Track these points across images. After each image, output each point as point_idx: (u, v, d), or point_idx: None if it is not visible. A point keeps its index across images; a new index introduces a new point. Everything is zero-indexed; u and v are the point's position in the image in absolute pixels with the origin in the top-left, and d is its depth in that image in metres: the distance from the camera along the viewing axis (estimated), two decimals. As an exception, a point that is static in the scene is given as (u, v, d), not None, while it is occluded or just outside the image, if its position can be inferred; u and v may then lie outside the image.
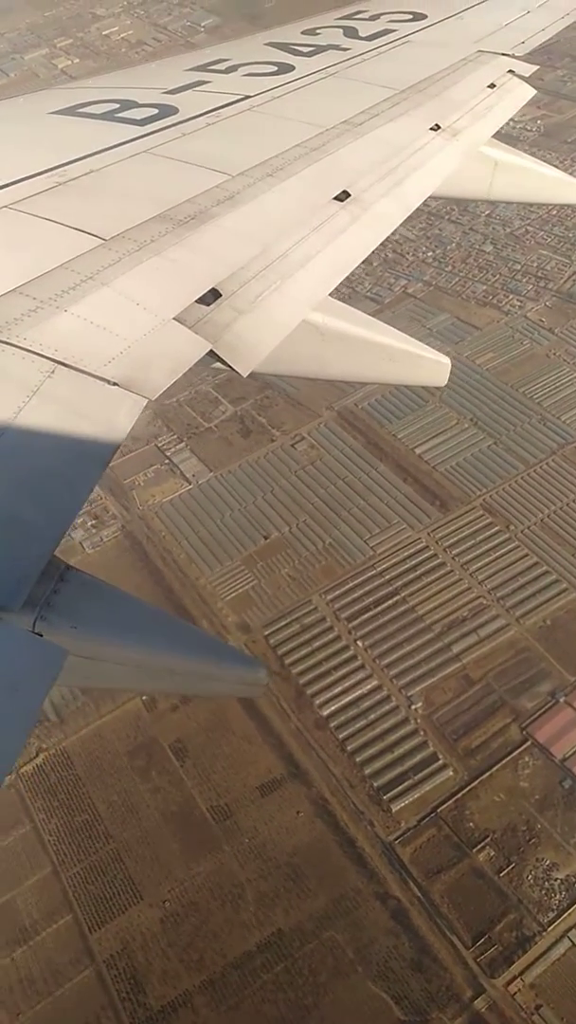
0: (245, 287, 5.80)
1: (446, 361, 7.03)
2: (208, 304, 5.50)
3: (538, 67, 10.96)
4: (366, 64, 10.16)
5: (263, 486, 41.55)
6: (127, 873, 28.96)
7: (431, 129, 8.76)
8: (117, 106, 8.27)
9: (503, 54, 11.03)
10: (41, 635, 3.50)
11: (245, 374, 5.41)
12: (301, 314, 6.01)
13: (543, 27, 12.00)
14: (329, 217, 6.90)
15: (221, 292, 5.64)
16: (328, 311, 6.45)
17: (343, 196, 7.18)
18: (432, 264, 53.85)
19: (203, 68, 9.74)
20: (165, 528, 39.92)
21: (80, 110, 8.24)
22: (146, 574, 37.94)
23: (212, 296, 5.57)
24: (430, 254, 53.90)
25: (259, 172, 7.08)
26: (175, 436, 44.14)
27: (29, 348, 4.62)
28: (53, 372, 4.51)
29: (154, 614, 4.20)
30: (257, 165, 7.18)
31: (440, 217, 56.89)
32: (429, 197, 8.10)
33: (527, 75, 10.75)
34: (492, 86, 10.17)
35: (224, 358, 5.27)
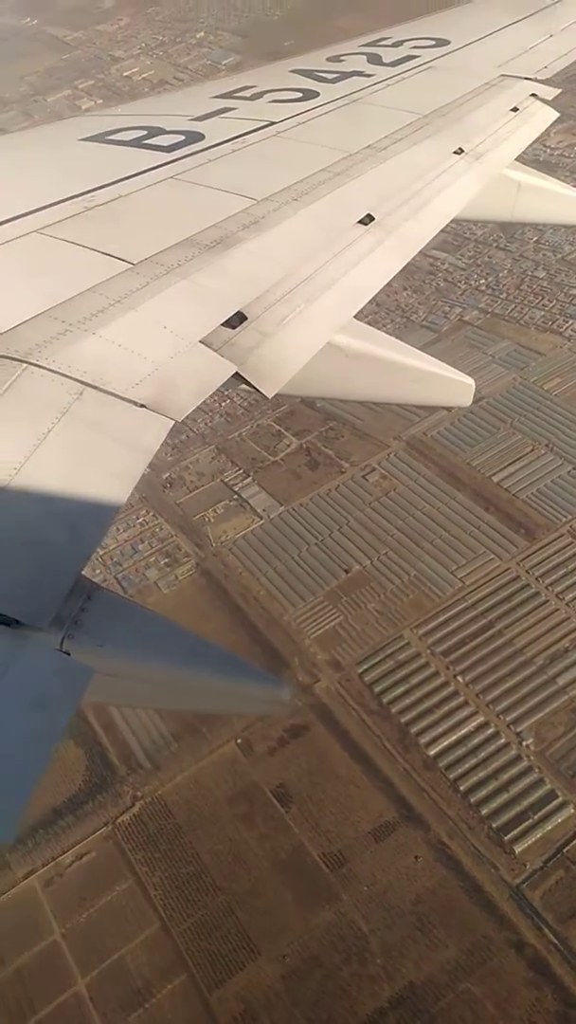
0: (270, 310, 5.87)
1: (470, 382, 7.05)
2: (234, 327, 5.57)
3: (561, 91, 11.02)
4: (390, 90, 10.27)
5: (337, 519, 40.51)
6: (241, 927, 27.36)
7: (454, 153, 8.83)
8: (145, 133, 8.42)
9: (526, 78, 11.11)
10: (68, 653, 3.55)
11: (270, 396, 5.46)
12: (326, 336, 6.06)
13: (566, 51, 12.07)
14: (353, 241, 6.96)
15: (247, 315, 5.71)
16: (353, 333, 6.50)
17: (367, 220, 7.25)
18: (486, 292, 53.47)
19: (229, 95, 9.89)
20: (241, 565, 38.96)
21: (109, 137, 8.39)
22: (227, 612, 36.88)
23: (238, 319, 5.64)
24: (482, 282, 53.52)
25: (284, 197, 7.17)
26: (241, 471, 43.40)
27: (58, 370, 4.70)
28: (82, 394, 4.58)
29: (179, 633, 4.23)
30: (282, 190, 7.27)
31: (488, 245, 56.57)
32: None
33: (550, 98, 10.82)
34: (515, 109, 10.24)
35: (250, 380, 5.33)
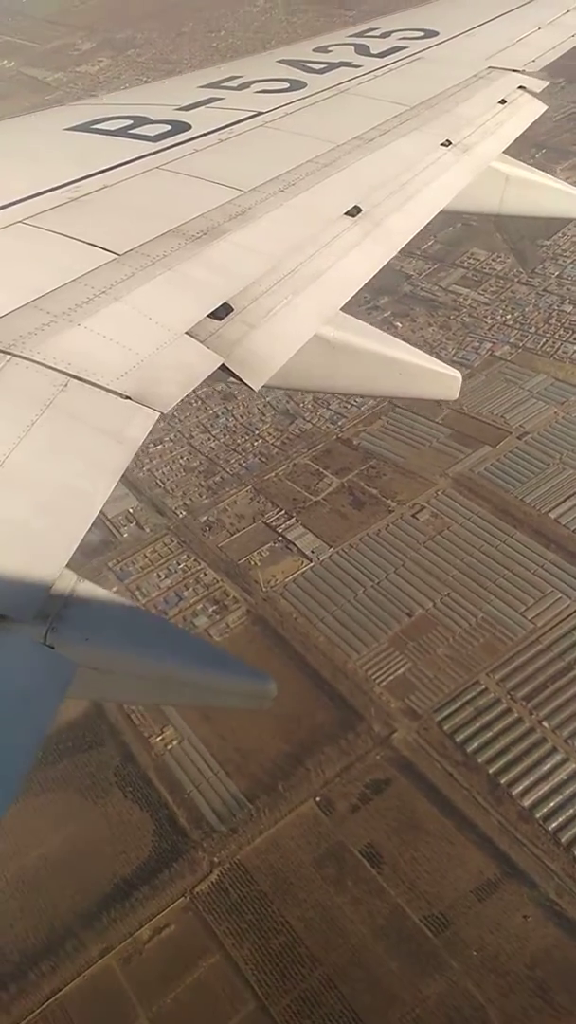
0: (257, 302, 5.83)
1: (457, 375, 7.04)
2: (220, 319, 5.54)
3: (549, 83, 11.02)
4: (377, 81, 10.22)
5: (392, 560, 38.84)
6: (346, 1002, 25.39)
7: (442, 145, 8.80)
8: (131, 122, 8.35)
9: (514, 70, 11.09)
10: (52, 647, 3.52)
11: (257, 388, 5.44)
12: (312, 329, 6.04)
13: (555, 44, 12.06)
14: (341, 232, 6.93)
15: (233, 307, 5.67)
16: (340, 325, 6.48)
17: (355, 211, 7.22)
18: (514, 327, 52.71)
19: (216, 85, 9.83)
20: (296, 610, 37.09)
21: (94, 126, 8.32)
22: (286, 659, 35.00)
23: (224, 311, 5.60)
24: (509, 317, 52.73)
25: (271, 188, 7.13)
26: (282, 512, 41.68)
27: (43, 362, 4.66)
28: (66, 385, 4.54)
29: (163, 626, 4.22)
30: (269, 181, 7.23)
31: (509, 280, 55.74)
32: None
33: (538, 91, 10.81)
34: (503, 102, 10.22)
35: (236, 372, 5.30)
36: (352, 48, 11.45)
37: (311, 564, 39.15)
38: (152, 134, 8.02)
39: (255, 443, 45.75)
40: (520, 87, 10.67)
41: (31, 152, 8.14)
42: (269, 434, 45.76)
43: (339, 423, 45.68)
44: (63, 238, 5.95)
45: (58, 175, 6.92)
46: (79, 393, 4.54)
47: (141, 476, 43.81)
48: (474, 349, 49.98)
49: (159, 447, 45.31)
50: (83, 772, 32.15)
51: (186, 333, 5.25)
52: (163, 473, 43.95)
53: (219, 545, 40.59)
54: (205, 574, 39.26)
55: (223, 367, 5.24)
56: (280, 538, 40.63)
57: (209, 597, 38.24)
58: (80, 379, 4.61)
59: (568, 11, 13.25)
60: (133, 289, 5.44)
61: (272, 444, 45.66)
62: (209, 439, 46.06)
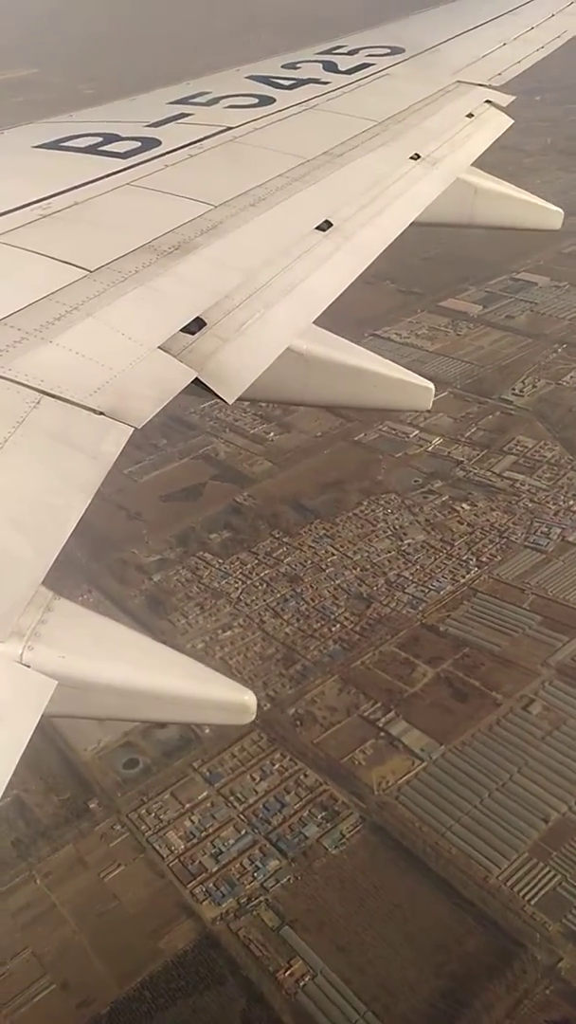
0: (229, 316, 5.85)
1: (430, 386, 7.10)
2: (193, 333, 5.55)
3: (515, 97, 11.17)
4: (346, 96, 10.32)
5: (512, 759, 35.11)
6: None
7: (411, 158, 8.90)
8: (100, 140, 8.37)
9: (481, 84, 11.24)
10: (28, 666, 3.49)
11: (231, 401, 5.44)
12: (285, 342, 6.06)
13: (519, 59, 12.26)
14: (312, 246, 6.98)
15: (206, 321, 5.68)
16: (312, 338, 6.51)
17: (325, 225, 7.27)
18: None
19: (185, 101, 9.88)
20: (416, 817, 32.96)
21: (64, 144, 8.33)
22: (418, 876, 30.94)
23: (197, 325, 5.61)
24: (573, 502, 49.41)
25: (242, 202, 7.17)
26: (378, 704, 37.74)
27: (14, 379, 4.64)
28: (39, 402, 4.52)
29: (142, 642, 4.19)
30: (240, 195, 7.27)
31: (563, 467, 51.91)
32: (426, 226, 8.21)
33: (504, 105, 10.96)
34: (471, 115, 10.35)
35: (210, 386, 5.30)
36: (320, 65, 11.56)
37: (423, 764, 35.01)
38: (122, 151, 8.04)
39: (332, 628, 41.74)
40: (487, 101, 10.82)
41: (0, 170, 8.13)
42: (346, 619, 41.98)
43: (419, 607, 42.12)
44: (34, 255, 5.94)
45: (28, 192, 6.92)
46: (52, 409, 4.52)
47: (214, 665, 39.02)
48: (544, 534, 46.86)
49: (228, 633, 41.71)
50: (204, 1018, 27.97)
51: (159, 348, 5.25)
52: (237, 662, 40.04)
53: (314, 741, 36.36)
54: (305, 775, 35.00)
55: (197, 381, 5.24)
56: (382, 734, 36.42)
57: (315, 802, 33.86)
58: (53, 396, 4.59)
59: (532, 27, 13.48)
60: (105, 305, 5.44)
61: (352, 630, 41.58)
62: (282, 624, 41.99)
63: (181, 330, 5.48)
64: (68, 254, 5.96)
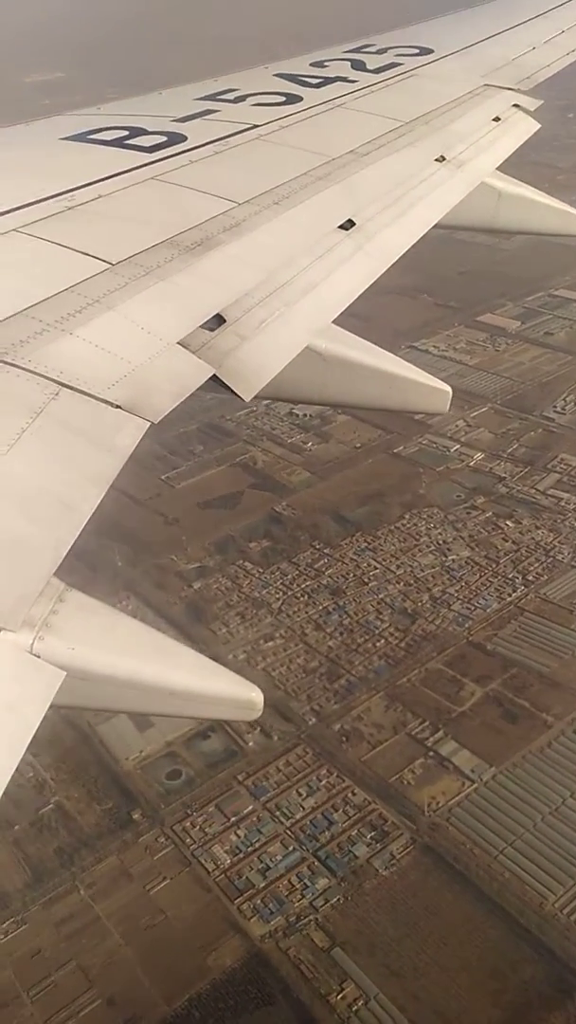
0: (249, 313, 5.86)
1: (447, 389, 7.08)
2: (212, 330, 5.56)
3: (543, 102, 11.12)
4: (373, 96, 10.31)
5: (565, 783, 34.31)
6: None
7: (436, 160, 8.87)
8: (126, 133, 8.40)
9: (509, 88, 11.20)
10: (39, 656, 3.51)
11: (248, 399, 5.45)
12: (304, 341, 6.06)
13: (548, 63, 12.20)
14: (334, 246, 6.97)
15: (225, 318, 5.69)
16: (331, 338, 6.50)
17: (348, 225, 7.27)
18: None
19: (212, 97, 9.89)
20: (468, 839, 32.25)
21: (90, 136, 8.36)
22: (472, 900, 30.21)
23: (216, 322, 5.62)
24: None
25: (265, 200, 7.17)
26: (427, 723, 37.02)
27: (34, 370, 4.66)
28: (58, 394, 4.55)
29: (151, 635, 4.21)
30: (263, 193, 7.27)
31: None
32: (436, 228, 8.19)
33: (532, 109, 10.91)
34: (497, 119, 10.31)
35: (227, 383, 5.31)
36: (348, 63, 11.55)
37: (474, 785, 34.44)
38: (148, 145, 8.06)
39: (377, 644, 41.02)
40: (515, 105, 10.78)
41: (26, 161, 8.17)
42: (391, 634, 41.29)
43: (465, 625, 41.53)
44: (57, 247, 5.96)
45: (53, 184, 6.95)
46: (70, 402, 4.54)
47: (256, 676, 38.74)
48: None
49: (270, 644, 41.13)
50: (254, 1040, 27.51)
51: (178, 343, 5.26)
52: (280, 673, 39.44)
53: (362, 759, 35.69)
54: (354, 793, 34.33)
55: (215, 378, 5.25)
56: (431, 753, 35.69)
57: (364, 821, 33.07)
58: (71, 388, 4.61)
59: (563, 31, 13.41)
60: (126, 299, 5.46)
61: (397, 646, 40.91)
62: (325, 637, 41.46)
63: (201, 326, 5.49)
64: (91, 247, 5.98)
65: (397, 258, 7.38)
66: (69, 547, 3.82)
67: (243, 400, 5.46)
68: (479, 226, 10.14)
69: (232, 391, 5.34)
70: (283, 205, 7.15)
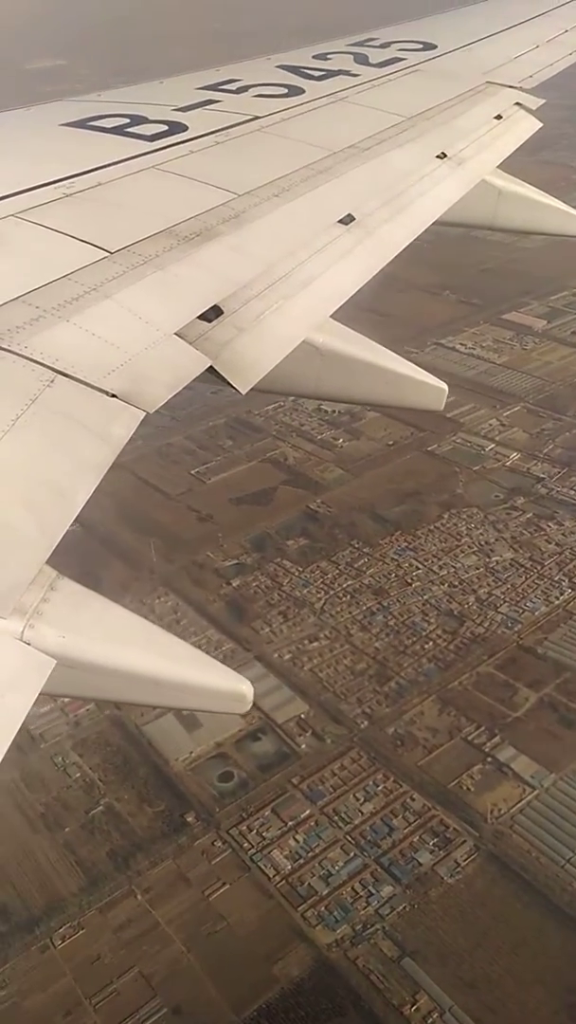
0: (247, 305, 5.84)
1: (443, 386, 7.08)
2: (210, 321, 5.54)
3: (545, 101, 11.11)
4: (375, 90, 10.28)
5: None
6: None
7: (437, 156, 8.86)
8: (128, 121, 8.36)
9: (511, 86, 11.18)
10: (29, 643, 3.50)
11: (244, 391, 5.44)
12: (302, 334, 6.05)
13: (552, 62, 12.18)
14: (333, 240, 6.96)
15: (223, 309, 5.68)
16: (329, 332, 6.49)
17: (348, 219, 7.25)
18: None
19: (214, 87, 9.85)
20: (534, 848, 31.67)
21: (91, 123, 8.32)
22: (543, 910, 29.65)
23: (214, 313, 5.61)
24: None
25: (265, 192, 7.15)
26: (482, 728, 36.58)
27: (30, 356, 4.64)
28: (53, 381, 4.53)
29: (142, 626, 4.20)
30: (263, 185, 7.25)
31: None
32: (437, 225, 8.19)
33: (534, 108, 10.90)
34: (499, 117, 10.30)
35: (224, 375, 5.30)
36: (351, 57, 11.51)
37: (535, 792, 33.97)
38: (149, 133, 8.03)
39: (425, 646, 40.66)
40: (516, 103, 10.76)
41: (26, 146, 8.13)
42: (439, 636, 40.89)
43: (514, 628, 41.26)
44: (55, 234, 5.94)
45: (52, 170, 6.91)
46: (65, 389, 4.52)
47: (303, 676, 39.12)
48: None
49: (315, 644, 40.68)
50: (329, 1054, 27.21)
51: (175, 334, 5.25)
52: (328, 675, 39.07)
53: (418, 764, 35.17)
54: (412, 799, 33.78)
55: (211, 369, 5.24)
56: (489, 759, 35.36)
57: (425, 827, 32.53)
58: (67, 375, 4.60)
59: (567, 30, 13.39)
60: (124, 288, 5.44)
61: (446, 648, 40.49)
62: (371, 638, 41.00)
63: (198, 317, 5.48)
64: (89, 235, 5.95)
65: (396, 254, 7.37)
66: (62, 535, 3.81)
67: (239, 393, 5.45)
68: (479, 224, 10.14)
69: (228, 383, 5.33)
70: (283, 198, 7.13)
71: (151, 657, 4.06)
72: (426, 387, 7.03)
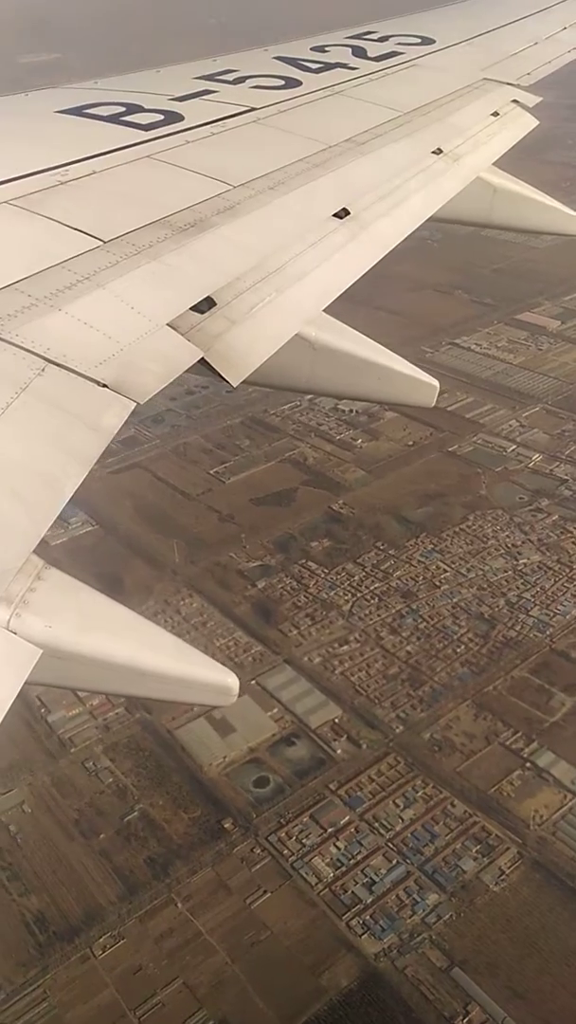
0: (240, 298, 5.82)
1: (435, 383, 7.08)
2: (202, 312, 5.52)
3: (542, 99, 11.10)
4: (373, 84, 10.25)
5: None
6: None
7: (433, 152, 8.84)
8: (123, 109, 8.31)
9: (508, 83, 11.16)
10: (15, 633, 3.49)
11: (235, 384, 5.42)
12: (294, 328, 6.04)
13: (550, 59, 12.17)
14: (328, 233, 6.94)
15: (216, 301, 5.66)
16: (322, 326, 6.48)
17: (343, 213, 7.23)
18: None
19: (211, 78, 9.80)
20: None
21: (87, 111, 8.26)
22: None
23: (207, 304, 5.59)
24: None
25: (261, 184, 7.12)
26: (519, 733, 36.36)
27: (21, 345, 4.62)
28: (44, 370, 4.51)
29: (129, 616, 4.20)
30: (259, 177, 7.22)
31: None
32: (432, 220, 8.18)
33: (531, 105, 10.89)
34: (496, 114, 10.29)
35: (215, 367, 5.28)
36: (349, 50, 11.47)
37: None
38: (144, 122, 7.98)
39: (458, 650, 40.44)
40: (513, 100, 10.75)
41: (21, 133, 8.07)
42: (471, 640, 40.82)
43: (546, 632, 41.05)
44: (49, 221, 5.90)
45: (47, 158, 6.87)
46: (56, 378, 4.50)
47: (335, 680, 38.83)
48: None
49: (345, 648, 40.46)
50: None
51: (167, 325, 5.23)
52: (360, 679, 38.76)
53: (457, 769, 34.89)
54: (453, 805, 33.51)
55: (203, 361, 5.23)
56: (528, 765, 35.00)
57: (468, 834, 32.25)
58: (58, 364, 4.58)
59: (565, 27, 13.38)
60: (117, 277, 5.41)
61: (479, 652, 40.34)
62: (402, 642, 40.72)
63: (191, 308, 5.46)
64: (83, 223, 5.92)
65: (390, 249, 7.36)
66: (49, 525, 3.80)
67: (230, 386, 5.44)
68: (474, 220, 10.13)
69: (220, 376, 5.32)
70: (278, 190, 7.10)
71: (138, 648, 4.05)
72: (418, 383, 7.03)
